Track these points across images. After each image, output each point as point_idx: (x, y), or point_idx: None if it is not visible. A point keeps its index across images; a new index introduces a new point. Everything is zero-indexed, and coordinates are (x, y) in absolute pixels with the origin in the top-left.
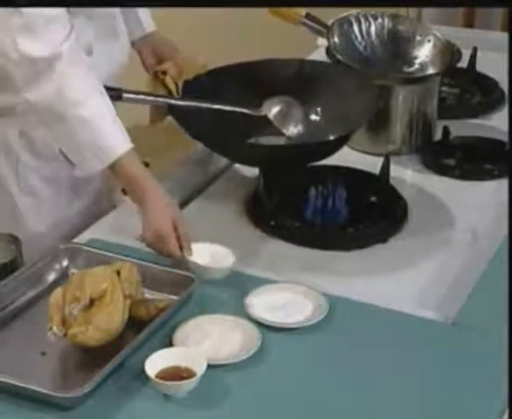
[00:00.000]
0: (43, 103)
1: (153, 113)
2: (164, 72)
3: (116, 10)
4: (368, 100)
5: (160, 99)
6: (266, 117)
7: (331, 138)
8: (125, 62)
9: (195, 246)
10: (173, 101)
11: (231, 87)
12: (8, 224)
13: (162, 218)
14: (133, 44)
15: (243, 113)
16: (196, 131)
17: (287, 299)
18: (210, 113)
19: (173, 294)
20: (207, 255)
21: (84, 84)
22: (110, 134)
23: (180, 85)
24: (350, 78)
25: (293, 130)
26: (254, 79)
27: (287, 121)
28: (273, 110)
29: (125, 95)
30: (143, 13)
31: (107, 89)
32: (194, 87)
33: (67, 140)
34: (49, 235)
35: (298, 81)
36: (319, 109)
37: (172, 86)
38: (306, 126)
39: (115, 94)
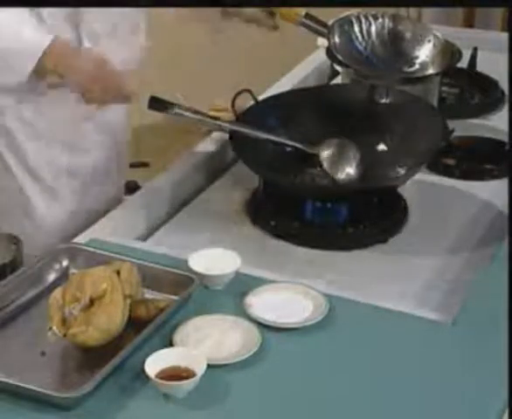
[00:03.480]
0: None
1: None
2: None
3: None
4: (437, 133)
5: (213, 121)
6: (317, 155)
7: (399, 171)
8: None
9: (199, 253)
10: (226, 125)
11: (298, 113)
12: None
13: (93, 58)
14: None
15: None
16: (254, 163)
17: (286, 299)
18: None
19: (173, 294)
20: (212, 261)
21: None
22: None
23: None
24: (420, 109)
25: (342, 174)
26: (323, 104)
27: (340, 164)
28: (325, 152)
29: (177, 111)
30: None
31: (160, 100)
32: (260, 110)
33: None
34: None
35: (368, 108)
36: (387, 138)
37: None
38: (372, 156)
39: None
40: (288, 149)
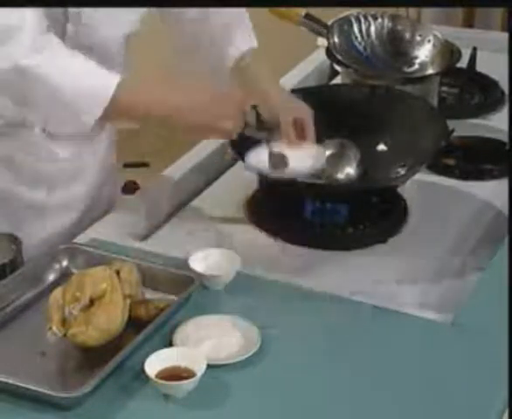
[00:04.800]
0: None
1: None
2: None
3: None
4: (437, 133)
5: None
6: None
7: (399, 171)
8: None
9: (199, 253)
10: None
11: None
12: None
13: (205, 90)
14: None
15: None
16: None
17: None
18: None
19: (173, 294)
20: (212, 261)
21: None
22: (98, 76)
23: None
24: (420, 109)
25: (342, 174)
26: (323, 104)
27: (340, 164)
28: (325, 151)
29: None
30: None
31: None
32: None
33: (57, 107)
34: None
35: (368, 108)
36: (387, 138)
37: None
38: (372, 156)
39: None
40: None
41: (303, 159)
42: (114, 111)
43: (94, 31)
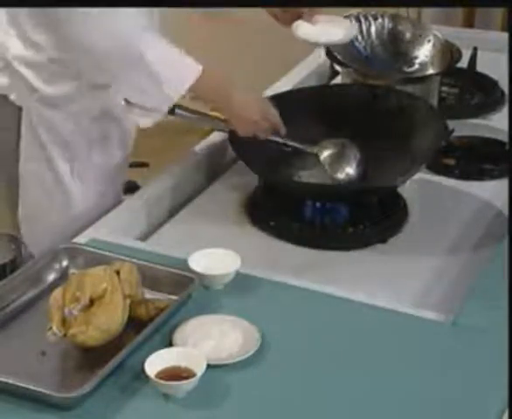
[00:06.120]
0: (114, 50)
1: None
2: None
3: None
4: (437, 133)
5: (213, 121)
6: (317, 155)
7: (399, 170)
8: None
9: (199, 253)
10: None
11: (298, 113)
12: (59, 208)
13: (251, 107)
14: None
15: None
16: (254, 163)
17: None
18: (268, 142)
19: (173, 294)
20: (212, 261)
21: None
22: (185, 57)
23: None
24: (420, 109)
25: (342, 174)
26: (323, 104)
27: (340, 164)
28: (325, 152)
29: (178, 111)
30: None
31: None
32: None
33: (147, 79)
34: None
35: (367, 109)
36: (387, 138)
37: None
38: (372, 156)
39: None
40: (288, 149)
41: (336, 30)
42: (191, 91)
43: None
